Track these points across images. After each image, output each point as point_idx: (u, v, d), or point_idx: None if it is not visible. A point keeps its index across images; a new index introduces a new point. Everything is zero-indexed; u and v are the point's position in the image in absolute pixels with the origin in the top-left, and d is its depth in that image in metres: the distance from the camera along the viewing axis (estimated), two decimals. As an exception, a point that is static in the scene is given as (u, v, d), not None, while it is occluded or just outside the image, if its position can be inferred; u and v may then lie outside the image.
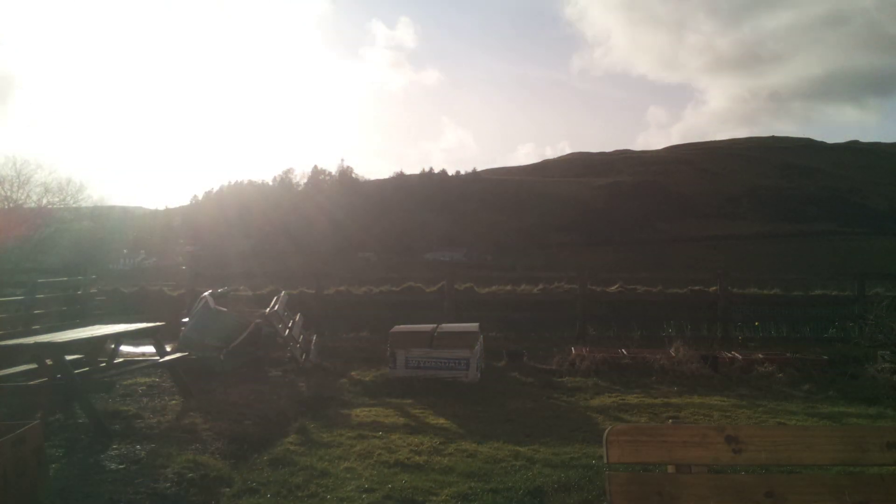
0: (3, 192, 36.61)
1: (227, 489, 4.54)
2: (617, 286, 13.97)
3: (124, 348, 8.80)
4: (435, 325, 9.24)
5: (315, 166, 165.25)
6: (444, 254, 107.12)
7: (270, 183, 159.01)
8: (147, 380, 7.99)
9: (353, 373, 9.25)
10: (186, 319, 9.73)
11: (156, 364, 7.15)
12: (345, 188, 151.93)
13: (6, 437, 3.81)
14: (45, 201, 38.47)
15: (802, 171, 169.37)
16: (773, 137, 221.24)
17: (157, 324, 7.48)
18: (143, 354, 8.77)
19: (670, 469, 2.49)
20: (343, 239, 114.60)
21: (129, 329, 7.15)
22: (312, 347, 9.94)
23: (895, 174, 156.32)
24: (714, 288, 13.07)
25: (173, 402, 6.97)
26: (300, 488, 4.54)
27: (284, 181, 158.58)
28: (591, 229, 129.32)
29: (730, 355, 9.74)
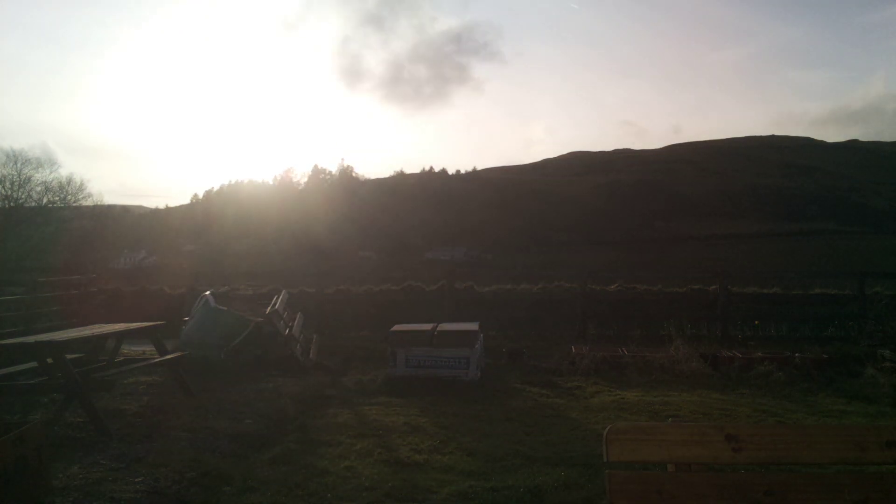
0: (3, 191, 36.60)
1: (228, 488, 4.54)
2: (617, 285, 13.95)
3: (125, 347, 8.79)
4: (435, 324, 9.24)
5: (315, 165, 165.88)
6: (444, 253, 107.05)
7: (270, 182, 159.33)
8: (148, 378, 8.01)
9: (353, 372, 9.26)
10: (187, 318, 9.74)
11: (156, 363, 7.16)
12: (345, 187, 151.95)
13: (7, 436, 3.82)
14: (45, 200, 38.48)
15: (802, 170, 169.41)
16: (773, 136, 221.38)
17: (158, 323, 7.50)
18: (144, 353, 8.78)
19: (670, 468, 2.49)
20: (343, 238, 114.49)
21: (130, 328, 7.15)
22: (313, 346, 9.95)
23: (895, 174, 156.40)
24: (714, 287, 13.06)
25: (174, 400, 6.98)
26: (300, 487, 4.54)
27: (284, 181, 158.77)
28: (591, 229, 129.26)
29: (729, 354, 9.74)
